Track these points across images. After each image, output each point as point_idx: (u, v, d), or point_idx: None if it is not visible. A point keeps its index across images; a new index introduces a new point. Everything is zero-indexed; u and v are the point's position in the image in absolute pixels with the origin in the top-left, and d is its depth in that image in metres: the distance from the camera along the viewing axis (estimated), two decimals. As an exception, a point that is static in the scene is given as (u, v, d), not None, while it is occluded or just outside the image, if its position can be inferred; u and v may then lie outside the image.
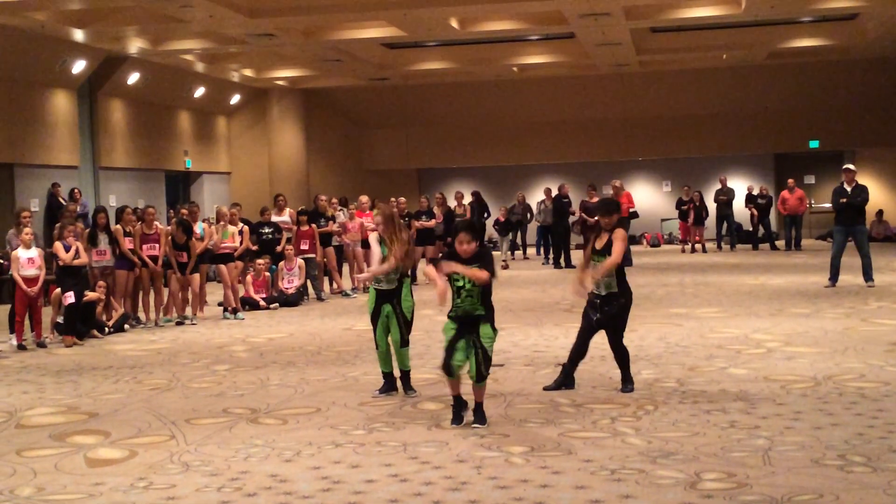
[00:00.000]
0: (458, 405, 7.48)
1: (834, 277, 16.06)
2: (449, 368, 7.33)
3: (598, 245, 8.46)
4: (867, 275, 16.00)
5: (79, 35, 20.33)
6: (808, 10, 21.81)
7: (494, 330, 7.42)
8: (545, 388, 8.57)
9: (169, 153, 26.76)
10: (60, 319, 12.96)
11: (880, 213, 28.28)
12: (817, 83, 28.67)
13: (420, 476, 6.06)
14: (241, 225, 16.07)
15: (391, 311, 8.52)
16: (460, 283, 7.37)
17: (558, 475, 5.98)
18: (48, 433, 7.62)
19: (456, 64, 26.52)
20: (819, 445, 6.47)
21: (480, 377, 7.29)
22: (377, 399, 8.45)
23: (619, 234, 8.47)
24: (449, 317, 7.46)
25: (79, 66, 21.96)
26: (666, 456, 6.31)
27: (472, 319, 7.33)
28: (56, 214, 18.19)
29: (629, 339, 11.07)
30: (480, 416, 7.37)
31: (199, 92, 27.30)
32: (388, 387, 8.64)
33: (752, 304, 14.32)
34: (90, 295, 13.21)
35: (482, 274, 7.26)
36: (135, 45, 22.02)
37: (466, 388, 7.42)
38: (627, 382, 8.50)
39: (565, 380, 8.62)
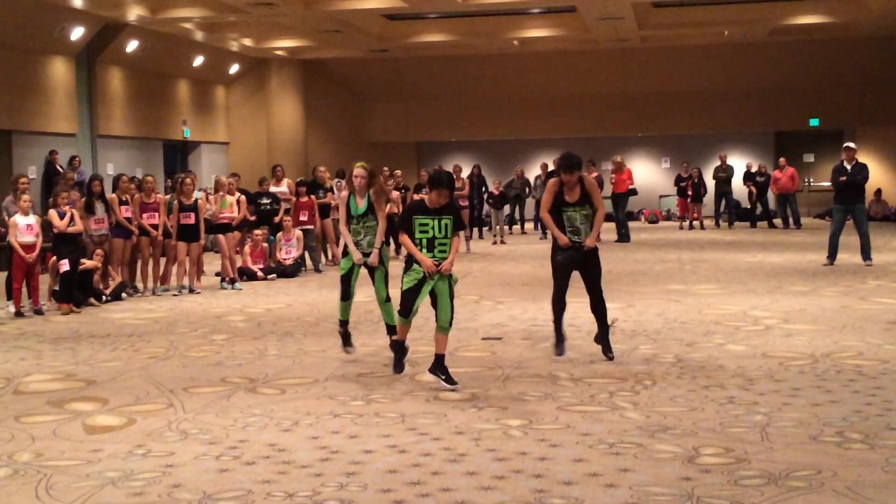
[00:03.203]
0: (402, 351, 8.05)
1: (832, 256, 16.06)
2: (409, 311, 7.75)
3: (571, 198, 8.62)
4: (865, 253, 15.99)
5: (77, 1, 20.21)
6: (811, -13, 21.72)
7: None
8: (557, 355, 8.82)
9: (167, 122, 26.66)
10: (58, 287, 12.93)
11: (879, 192, 28.26)
12: (818, 61, 28.55)
13: (418, 447, 6.06)
14: (238, 195, 16.02)
15: (379, 267, 8.87)
16: (431, 234, 7.66)
17: (556, 448, 5.98)
18: (46, 399, 7.62)
19: (456, 36, 26.38)
20: (817, 422, 6.48)
21: (450, 324, 7.71)
22: (375, 370, 8.45)
23: (591, 183, 8.74)
24: (416, 265, 7.70)
25: (77, 33, 21.82)
26: (664, 431, 6.32)
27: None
28: (53, 182, 18.12)
29: (627, 314, 11.13)
30: (448, 374, 7.66)
31: (199, 61, 27.17)
32: (347, 334, 9.11)
33: (750, 281, 14.32)
34: (87, 263, 13.18)
35: (451, 260, 7.76)
36: (134, 13, 21.87)
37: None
38: (606, 336, 8.80)
39: (562, 338, 8.93)
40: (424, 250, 7.66)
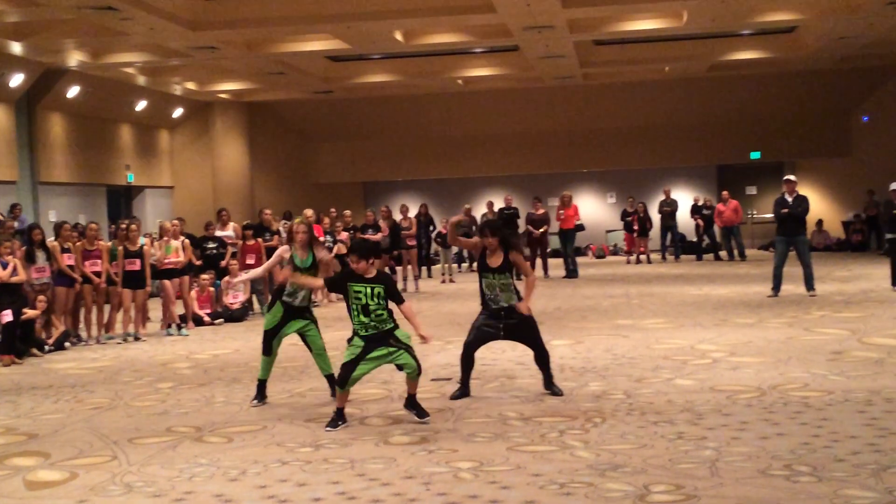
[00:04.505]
0: (340, 416, 7.85)
1: (776, 287, 16.25)
2: (345, 382, 7.68)
3: (494, 263, 8.64)
4: (809, 284, 16.21)
5: (16, 48, 19.98)
6: (747, 24, 22.10)
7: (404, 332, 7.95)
8: (451, 398, 8.81)
9: (110, 167, 26.37)
10: (-1, 338, 12.68)
11: (820, 222, 28.72)
12: (758, 95, 29.08)
13: (368, 493, 5.99)
14: (182, 238, 15.86)
15: (309, 323, 8.96)
16: (364, 301, 7.68)
17: (507, 490, 5.94)
18: (-15, 456, 7.43)
19: (401, 77, 26.48)
20: (765, 456, 6.51)
21: (420, 369, 7.87)
22: (324, 415, 8.34)
23: (516, 256, 8.70)
24: (358, 335, 7.78)
25: (17, 80, 21.58)
26: (614, 469, 6.31)
27: (381, 335, 7.75)
28: (-6, 231, 17.79)
29: (576, 351, 11.15)
30: (421, 409, 7.96)
31: (141, 105, 26.97)
32: (263, 395, 9.03)
33: (696, 314, 14.44)
34: (29, 313, 12.94)
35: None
36: (74, 58, 21.69)
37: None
38: (553, 384, 8.85)
39: (465, 390, 8.92)
40: (361, 316, 7.71)
